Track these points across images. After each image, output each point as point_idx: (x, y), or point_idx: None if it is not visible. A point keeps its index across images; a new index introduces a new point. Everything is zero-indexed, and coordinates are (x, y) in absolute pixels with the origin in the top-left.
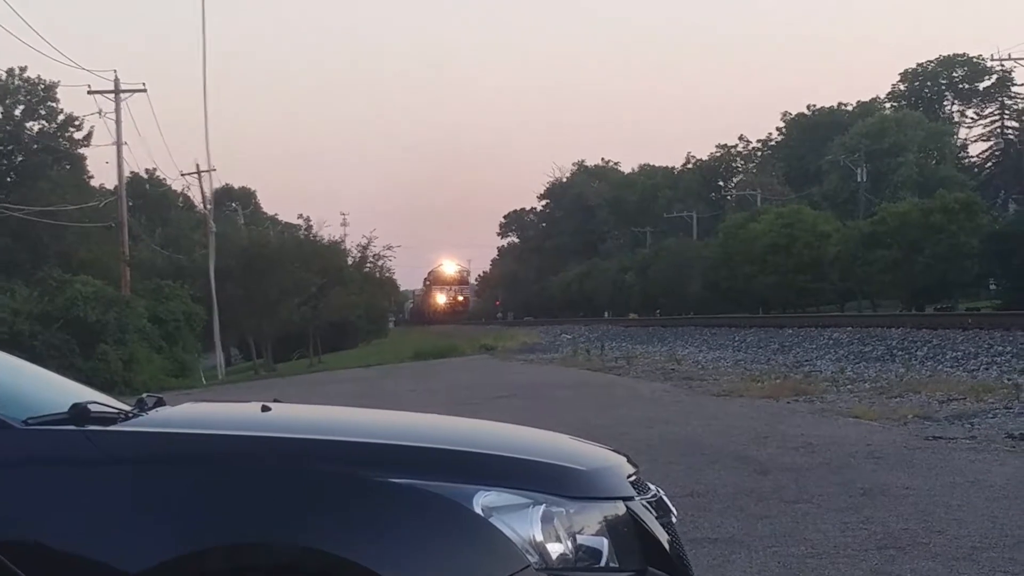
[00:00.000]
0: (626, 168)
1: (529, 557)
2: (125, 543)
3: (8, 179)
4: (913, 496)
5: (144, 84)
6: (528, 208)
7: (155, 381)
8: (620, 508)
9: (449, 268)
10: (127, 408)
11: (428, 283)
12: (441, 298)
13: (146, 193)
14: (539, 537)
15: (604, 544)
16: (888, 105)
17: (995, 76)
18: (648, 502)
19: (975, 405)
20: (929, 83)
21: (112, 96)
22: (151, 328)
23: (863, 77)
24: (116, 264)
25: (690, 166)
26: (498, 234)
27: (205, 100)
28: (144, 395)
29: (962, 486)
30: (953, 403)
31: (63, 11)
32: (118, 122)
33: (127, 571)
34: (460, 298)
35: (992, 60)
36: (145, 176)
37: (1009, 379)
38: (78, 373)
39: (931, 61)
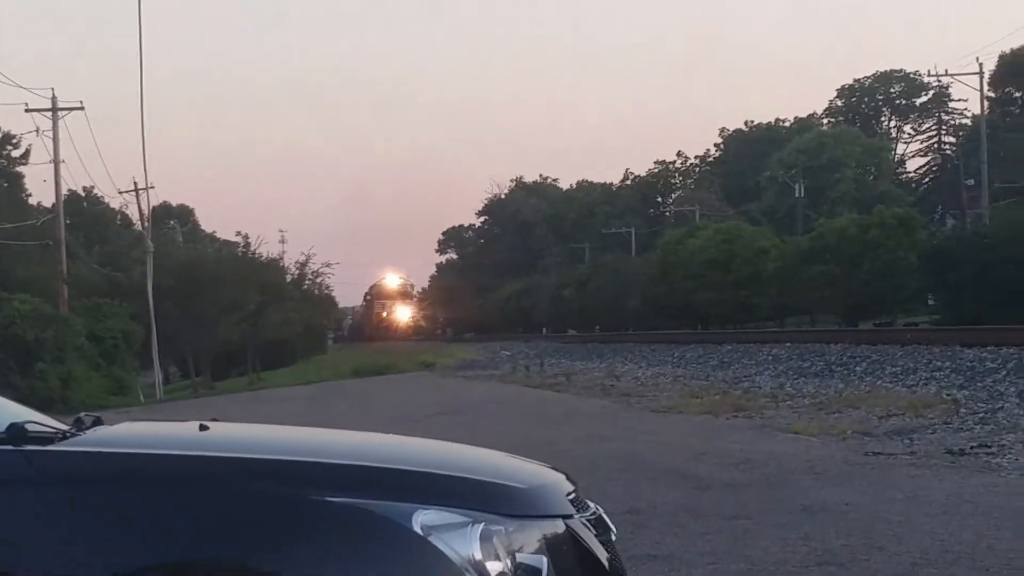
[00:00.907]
0: (564, 184)
1: None
2: (64, 564)
3: None
4: (853, 512)
5: (82, 102)
6: (466, 224)
7: (93, 399)
8: (559, 526)
9: (392, 282)
10: (65, 428)
11: (369, 298)
12: (384, 314)
13: (84, 211)
14: (478, 556)
15: (543, 562)
16: (825, 121)
17: (932, 92)
18: (587, 520)
19: (914, 420)
20: (866, 99)
21: (50, 114)
22: (89, 346)
23: (800, 93)
24: (54, 282)
25: (628, 182)
26: (436, 251)
27: (142, 116)
28: (82, 414)
29: (902, 502)
30: (892, 418)
31: None
32: (55, 140)
33: None
34: (404, 314)
35: (929, 76)
36: (83, 194)
37: (948, 394)
38: (15, 391)
39: (868, 77)
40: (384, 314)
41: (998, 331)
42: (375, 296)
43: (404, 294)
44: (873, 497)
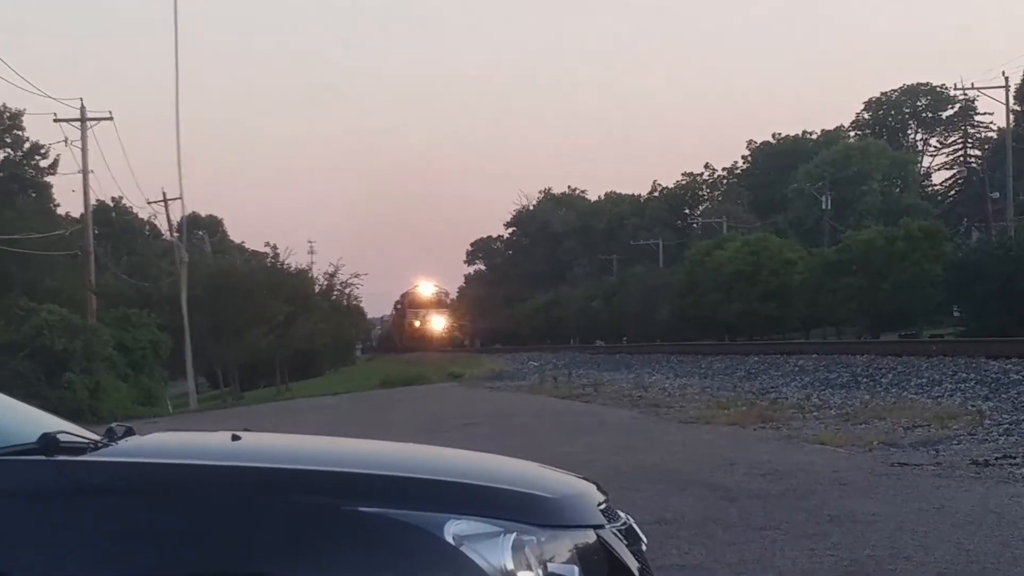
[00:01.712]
0: (592, 196)
1: None
2: (94, 574)
3: None
4: (879, 522)
5: (110, 112)
6: (495, 236)
7: (121, 409)
8: (590, 536)
9: (426, 290)
10: (97, 438)
11: (400, 307)
12: (417, 323)
13: (112, 221)
14: (510, 566)
15: (575, 572)
16: (852, 134)
17: (958, 105)
18: (618, 530)
19: (940, 432)
20: (893, 112)
21: (78, 124)
22: (117, 356)
23: (828, 106)
24: (82, 292)
25: (656, 194)
26: (465, 262)
27: (178, 127)
28: (113, 424)
29: (928, 512)
30: (918, 430)
31: (29, 39)
32: (84, 150)
33: None
34: (438, 324)
35: (955, 89)
36: (111, 204)
37: (973, 406)
38: (44, 402)
39: (895, 90)
40: (417, 323)
41: (1023, 343)
42: (408, 305)
43: (439, 303)
44: (899, 507)
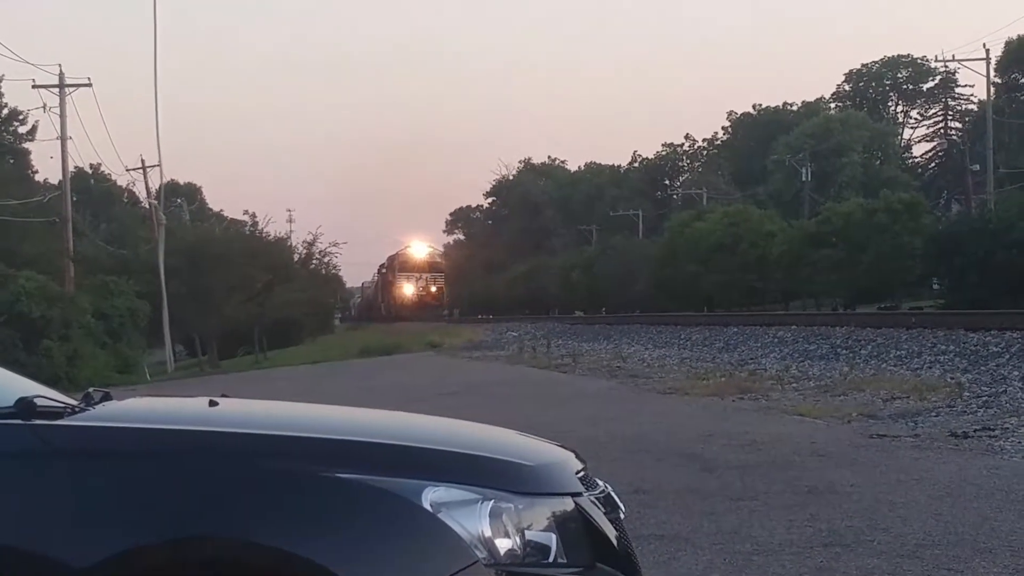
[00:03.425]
0: (572, 166)
1: (478, 553)
2: (71, 538)
3: None
4: (858, 494)
5: (89, 79)
6: (474, 205)
7: (99, 377)
8: (568, 504)
9: (419, 251)
10: (74, 403)
11: (387, 271)
12: (409, 288)
13: (91, 188)
14: (488, 533)
15: (553, 540)
16: (833, 105)
17: (939, 77)
18: (596, 498)
19: (918, 403)
20: (873, 83)
21: (57, 91)
22: (95, 324)
23: (808, 77)
24: (60, 260)
25: (636, 165)
26: (444, 231)
27: (156, 92)
28: (91, 389)
29: (906, 484)
30: (897, 401)
31: (7, 4)
32: (63, 117)
33: (73, 566)
34: (434, 288)
35: (936, 61)
36: (90, 171)
37: (952, 378)
38: (22, 369)
39: (876, 62)
40: (409, 289)
41: (1002, 315)
42: (398, 268)
43: (433, 266)
44: (878, 479)
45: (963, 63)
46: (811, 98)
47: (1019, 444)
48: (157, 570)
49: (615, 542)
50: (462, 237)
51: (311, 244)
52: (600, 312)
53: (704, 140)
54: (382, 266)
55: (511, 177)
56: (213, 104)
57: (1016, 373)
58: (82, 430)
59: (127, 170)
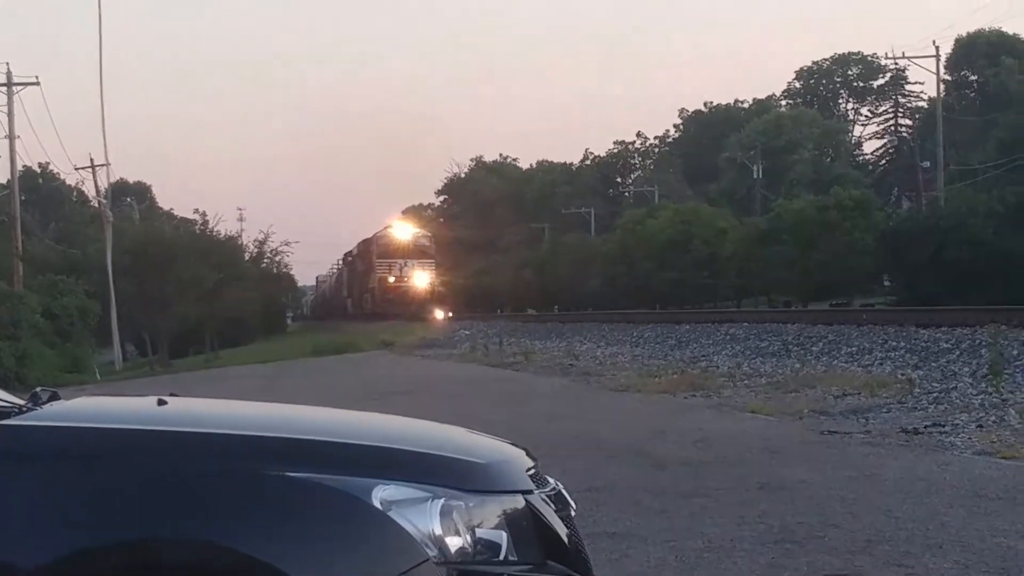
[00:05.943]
0: (524, 164)
1: (428, 551)
2: (19, 539)
3: None
4: (809, 490)
5: (37, 78)
6: (426, 204)
7: (49, 377)
8: (519, 501)
9: (403, 232)
10: (21, 402)
11: (356, 259)
12: (391, 278)
13: (39, 188)
14: (438, 531)
15: (503, 537)
16: (784, 103)
17: (889, 74)
18: (547, 496)
19: (870, 400)
20: (824, 81)
21: (4, 89)
22: (44, 324)
23: (759, 74)
24: (8, 259)
25: (588, 162)
26: None
27: (101, 90)
28: (38, 389)
29: (857, 480)
30: (848, 398)
31: None
32: (10, 115)
33: (21, 567)
34: (424, 279)
35: (886, 58)
36: (38, 170)
37: (903, 374)
38: None
39: (826, 59)
40: (392, 279)
41: (952, 312)
42: (377, 254)
43: (422, 251)
44: (829, 475)
45: (913, 60)
46: (762, 95)
47: (969, 440)
48: (103, 571)
49: (566, 540)
50: None
51: (262, 243)
52: (552, 310)
53: (656, 138)
54: (348, 254)
55: (463, 175)
56: (163, 104)
57: (966, 369)
58: (28, 430)
59: (76, 169)
